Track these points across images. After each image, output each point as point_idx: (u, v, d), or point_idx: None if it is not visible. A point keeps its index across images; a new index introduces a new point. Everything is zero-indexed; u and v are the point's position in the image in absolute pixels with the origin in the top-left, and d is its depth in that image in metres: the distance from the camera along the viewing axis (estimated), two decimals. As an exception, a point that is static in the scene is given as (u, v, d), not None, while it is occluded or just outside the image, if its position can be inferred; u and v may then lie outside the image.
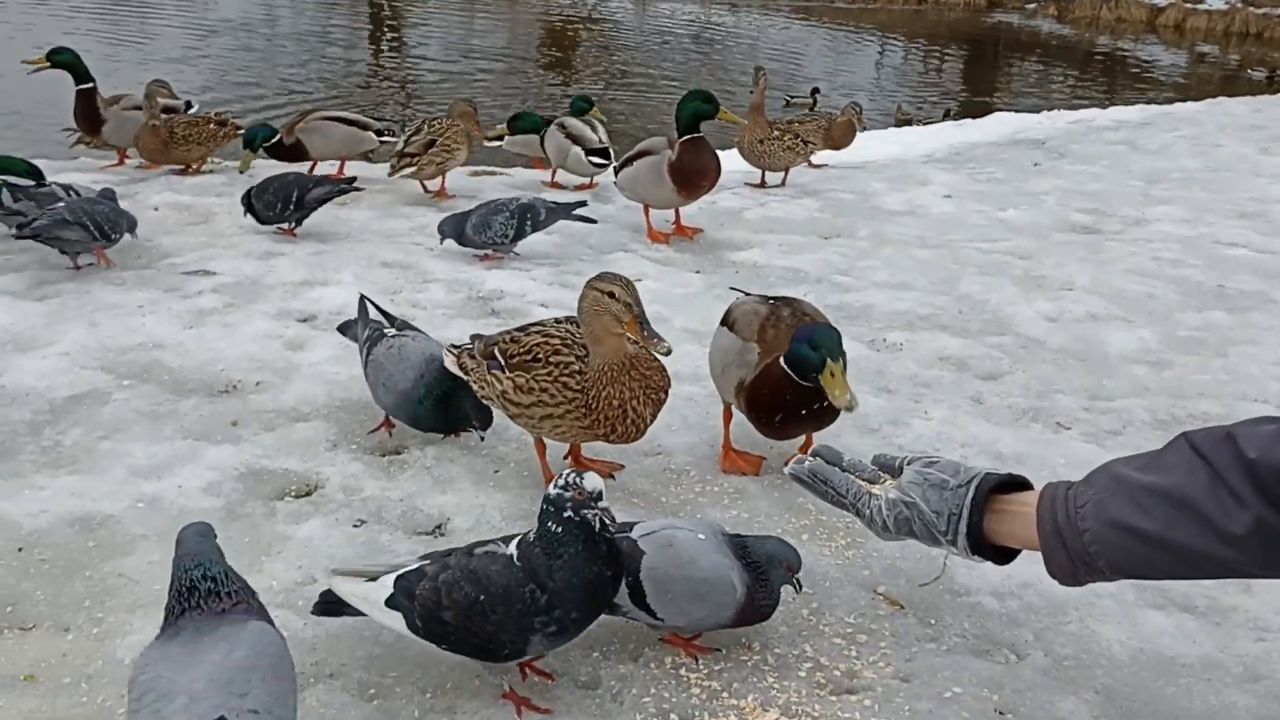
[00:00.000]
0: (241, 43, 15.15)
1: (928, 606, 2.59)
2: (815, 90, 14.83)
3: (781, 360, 2.95)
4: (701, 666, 2.32)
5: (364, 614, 2.20)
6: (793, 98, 14.67)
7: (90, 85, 6.64)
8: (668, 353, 2.63)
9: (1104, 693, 2.31)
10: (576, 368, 2.78)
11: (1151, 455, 1.79)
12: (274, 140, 6.62)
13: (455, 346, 3.18)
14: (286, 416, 3.46)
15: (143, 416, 3.41)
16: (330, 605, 2.28)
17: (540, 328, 2.93)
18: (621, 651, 2.38)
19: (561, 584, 2.01)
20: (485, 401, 3.03)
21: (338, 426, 3.39)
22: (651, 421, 2.83)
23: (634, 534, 2.35)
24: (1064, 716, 2.22)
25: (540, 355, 2.83)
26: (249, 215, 5.47)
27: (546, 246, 5.54)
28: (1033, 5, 20.91)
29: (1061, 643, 2.47)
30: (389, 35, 17.33)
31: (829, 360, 2.80)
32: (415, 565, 2.20)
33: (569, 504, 2.02)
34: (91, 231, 4.69)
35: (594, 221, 5.48)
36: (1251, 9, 19.62)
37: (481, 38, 16.60)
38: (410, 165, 6.29)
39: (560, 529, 2.02)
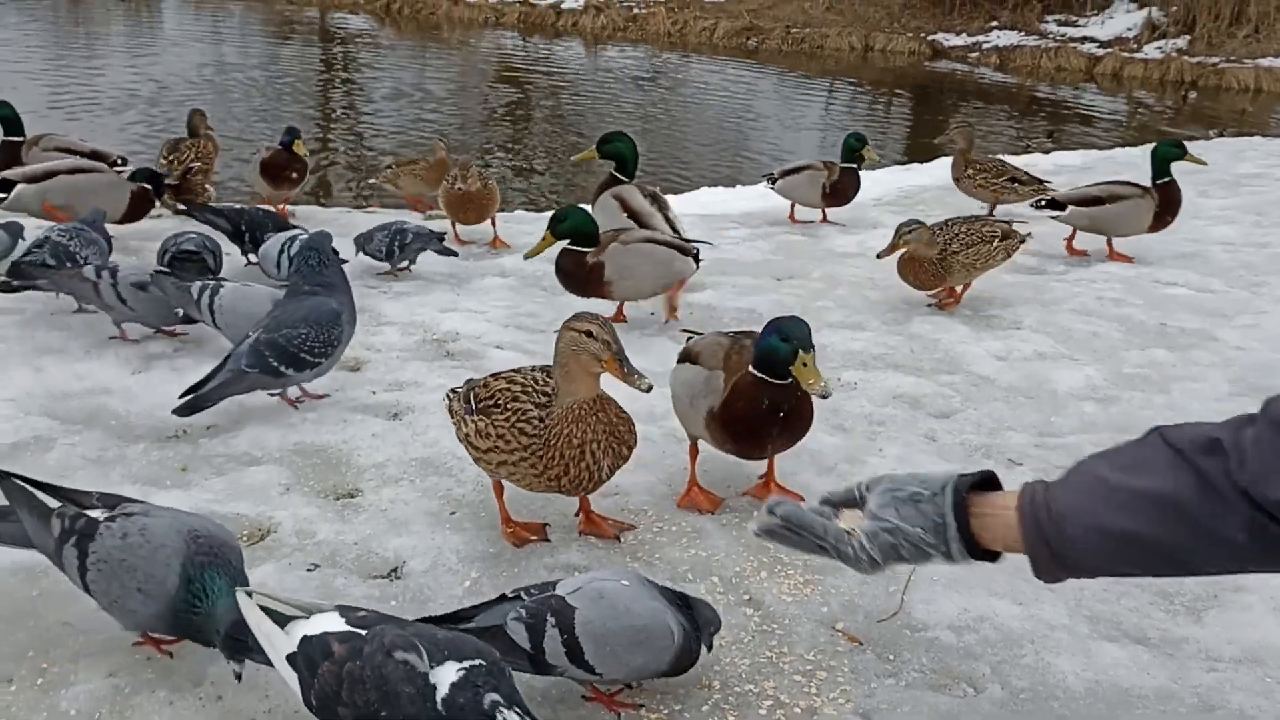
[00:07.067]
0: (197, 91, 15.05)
1: (886, 642, 2.60)
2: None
3: (750, 366, 2.94)
4: (662, 707, 2.31)
5: (270, 663, 2.01)
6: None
7: (20, 139, 6.66)
8: (649, 389, 2.63)
9: (1061, 725, 2.33)
10: (534, 414, 2.75)
11: (1128, 454, 1.74)
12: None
13: (452, 391, 3.14)
14: (238, 461, 3.41)
15: (89, 463, 3.34)
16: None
17: (510, 373, 2.92)
18: (579, 692, 2.35)
19: None
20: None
21: (290, 470, 3.35)
22: (608, 476, 2.81)
23: (559, 590, 2.27)
24: (1022, 750, 2.24)
25: (500, 401, 2.82)
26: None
27: (501, 289, 5.54)
28: (975, 54, 21.39)
29: (1018, 676, 2.49)
30: (340, 80, 17.39)
31: (800, 351, 2.83)
32: (341, 627, 2.00)
33: None
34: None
35: (455, 254, 5.74)
36: (1186, 58, 20.23)
37: (434, 83, 16.66)
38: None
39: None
